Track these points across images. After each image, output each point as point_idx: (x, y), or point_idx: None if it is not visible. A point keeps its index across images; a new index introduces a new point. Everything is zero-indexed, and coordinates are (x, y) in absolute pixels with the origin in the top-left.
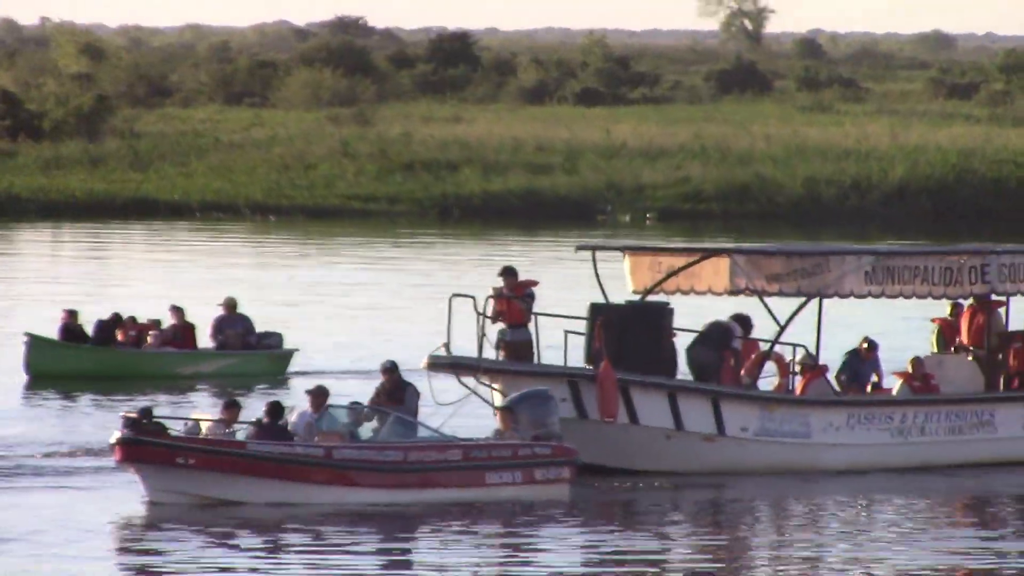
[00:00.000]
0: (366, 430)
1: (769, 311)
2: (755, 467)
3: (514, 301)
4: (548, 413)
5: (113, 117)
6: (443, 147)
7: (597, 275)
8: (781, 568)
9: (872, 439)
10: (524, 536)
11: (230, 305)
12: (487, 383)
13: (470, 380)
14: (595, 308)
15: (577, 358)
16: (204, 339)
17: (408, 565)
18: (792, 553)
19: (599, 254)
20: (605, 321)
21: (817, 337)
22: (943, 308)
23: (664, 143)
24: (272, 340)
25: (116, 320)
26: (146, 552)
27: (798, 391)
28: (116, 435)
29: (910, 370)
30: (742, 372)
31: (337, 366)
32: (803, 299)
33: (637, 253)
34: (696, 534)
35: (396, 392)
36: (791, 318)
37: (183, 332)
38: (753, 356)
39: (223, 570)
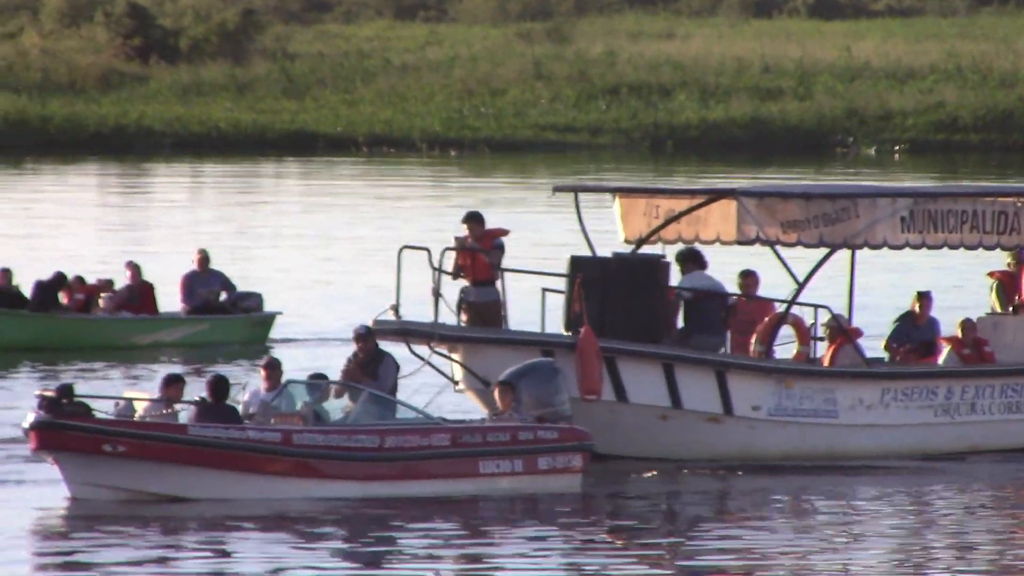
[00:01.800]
0: (333, 410)
1: (785, 265)
2: (769, 453)
3: (480, 254)
4: (555, 390)
5: (262, 36)
6: (653, 68)
7: (581, 222)
8: None
9: (911, 418)
10: (522, 539)
11: (203, 259)
12: (444, 353)
13: (424, 349)
14: (575, 262)
15: (557, 323)
16: (170, 302)
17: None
18: (813, 561)
19: (585, 197)
20: (586, 278)
21: (849, 296)
22: (1001, 260)
23: (913, 63)
24: (251, 301)
25: (60, 280)
26: (67, 564)
27: (825, 362)
28: (30, 418)
29: (959, 334)
30: (752, 339)
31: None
32: (827, 250)
33: (629, 196)
34: (699, 534)
35: (370, 364)
36: (811, 273)
37: (141, 293)
38: (766, 319)
39: None
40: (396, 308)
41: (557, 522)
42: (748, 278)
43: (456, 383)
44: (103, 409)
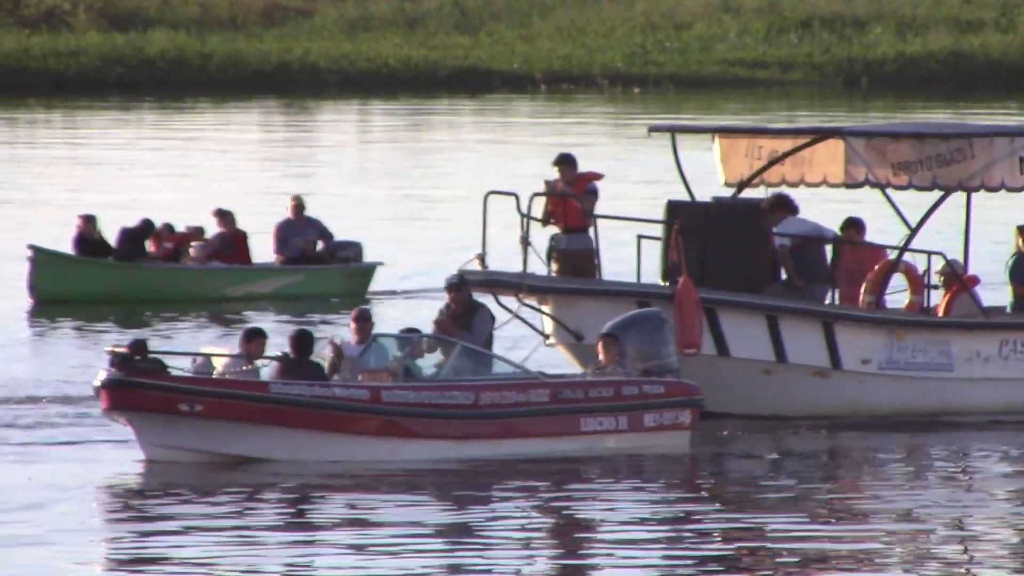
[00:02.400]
0: (425, 365)
1: (896, 210)
2: (880, 409)
3: (571, 199)
4: (662, 342)
5: None
6: (848, 0)
7: (679, 165)
8: (924, 549)
9: None
10: (627, 502)
11: (298, 207)
12: (533, 305)
13: (511, 301)
14: (672, 208)
15: (653, 273)
16: (264, 252)
17: (479, 541)
18: (934, 528)
19: (684, 138)
20: (685, 225)
21: (965, 242)
22: None
23: None
24: (350, 251)
25: (147, 228)
26: (141, 532)
27: (939, 312)
28: (101, 376)
29: None
30: (861, 289)
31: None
32: (941, 194)
33: (730, 136)
34: (805, 502)
35: (464, 316)
36: (925, 218)
37: (234, 242)
38: (876, 268)
39: (245, 543)
40: (482, 257)
41: (663, 482)
42: (852, 228)
43: (547, 337)
44: (179, 366)
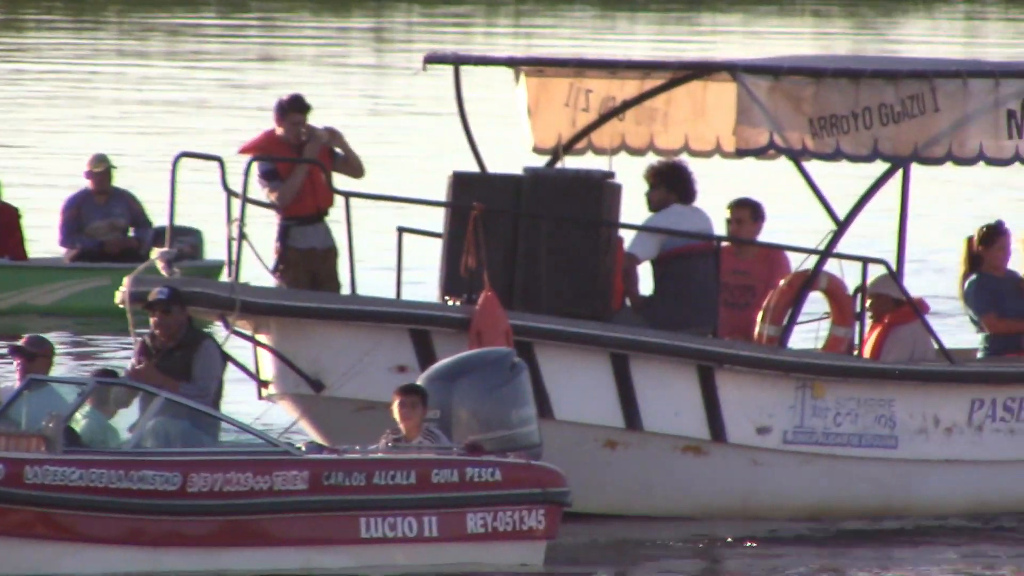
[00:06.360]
0: (103, 428)
1: (817, 192)
2: (784, 505)
3: (318, 168)
4: (513, 400)
5: None
6: None
7: (463, 117)
8: None
9: (1021, 451)
10: None
11: (102, 174)
12: (246, 334)
13: (219, 328)
14: (462, 183)
15: (427, 284)
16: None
17: None
18: None
19: (468, 71)
20: (487, 211)
21: (899, 243)
22: None
23: None
24: (182, 243)
25: None
26: None
27: (867, 350)
28: None
29: None
30: (756, 316)
31: None
32: (886, 167)
33: (543, 73)
34: None
35: (177, 352)
36: (858, 206)
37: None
38: (783, 283)
39: None
40: (169, 258)
41: None
42: (742, 210)
43: (264, 384)
44: None
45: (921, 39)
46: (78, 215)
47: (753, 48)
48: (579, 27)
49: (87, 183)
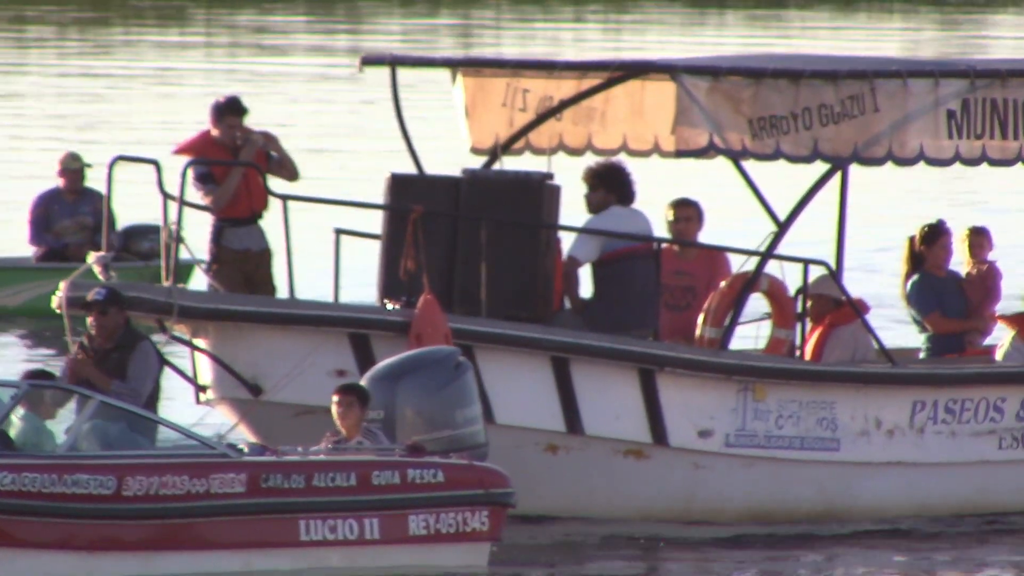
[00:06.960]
0: (36, 431)
1: (756, 192)
2: (726, 509)
3: (254, 171)
4: (457, 400)
5: None
6: None
7: (400, 117)
8: None
9: (964, 453)
10: None
11: (74, 173)
12: (185, 338)
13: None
14: (400, 185)
15: (363, 286)
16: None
17: None
18: None
19: (407, 74)
20: (426, 214)
21: (839, 242)
22: None
23: None
24: (151, 242)
25: None
26: None
27: (808, 351)
28: None
29: None
30: (697, 318)
31: None
32: (827, 168)
33: (480, 73)
34: None
35: (115, 354)
36: (799, 206)
37: None
38: (724, 284)
39: None
40: (106, 262)
41: None
42: (688, 209)
43: (202, 389)
44: None
45: (1012, 36)
46: (46, 213)
47: (840, 43)
48: (668, 24)
49: (59, 181)
